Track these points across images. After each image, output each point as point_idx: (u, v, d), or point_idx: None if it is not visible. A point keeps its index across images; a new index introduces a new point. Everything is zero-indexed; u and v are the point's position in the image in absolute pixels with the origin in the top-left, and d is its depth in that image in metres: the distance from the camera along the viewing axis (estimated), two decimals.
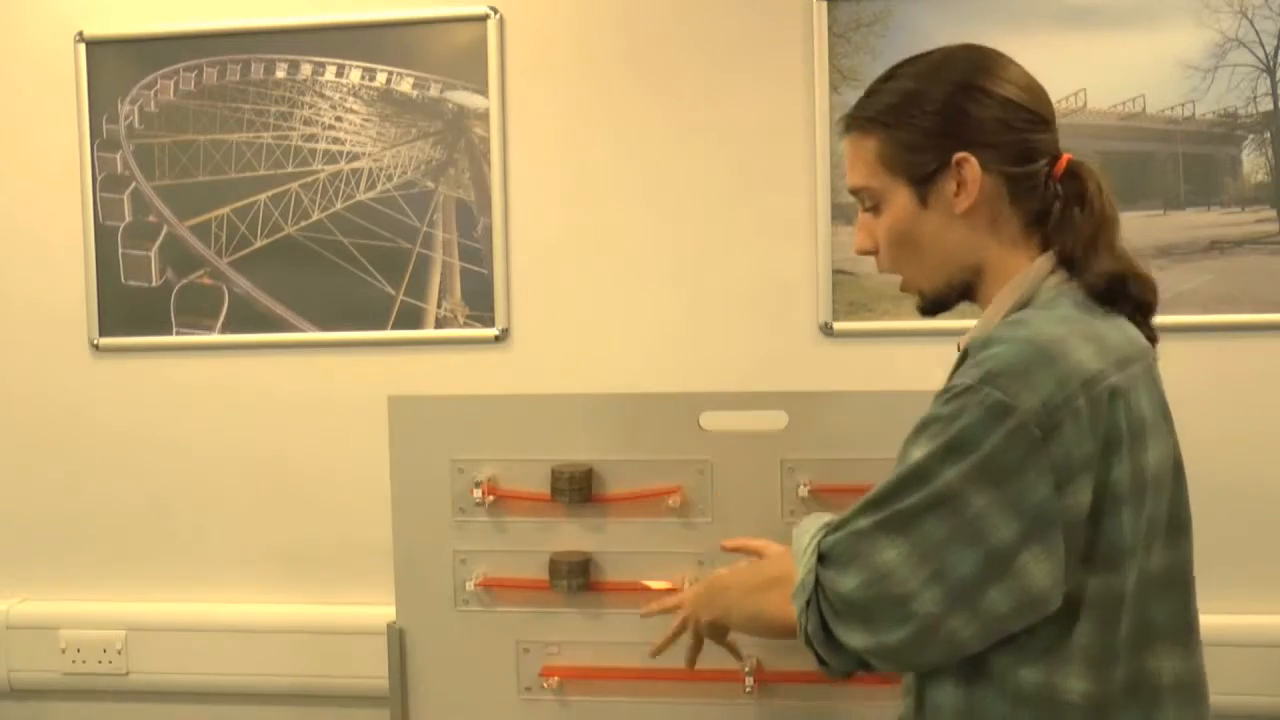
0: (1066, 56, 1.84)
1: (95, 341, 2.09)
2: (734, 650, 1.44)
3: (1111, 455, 0.96)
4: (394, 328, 2.02)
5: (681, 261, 1.96)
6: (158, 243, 2.07)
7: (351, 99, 2.02)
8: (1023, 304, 1.06)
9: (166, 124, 2.06)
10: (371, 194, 2.02)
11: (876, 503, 1.00)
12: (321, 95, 2.03)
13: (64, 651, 2.07)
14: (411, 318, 2.02)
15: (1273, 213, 1.85)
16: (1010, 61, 1.10)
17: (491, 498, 1.62)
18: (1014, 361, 0.95)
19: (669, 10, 1.95)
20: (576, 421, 1.62)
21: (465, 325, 2.01)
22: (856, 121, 1.12)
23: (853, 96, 1.15)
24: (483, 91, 1.99)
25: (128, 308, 2.08)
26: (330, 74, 2.02)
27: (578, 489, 1.59)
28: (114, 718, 2.11)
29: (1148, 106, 1.85)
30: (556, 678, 1.63)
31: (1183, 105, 1.84)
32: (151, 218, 2.07)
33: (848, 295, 1.92)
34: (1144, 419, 0.99)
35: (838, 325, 1.92)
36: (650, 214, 1.97)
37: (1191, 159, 1.85)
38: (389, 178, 2.02)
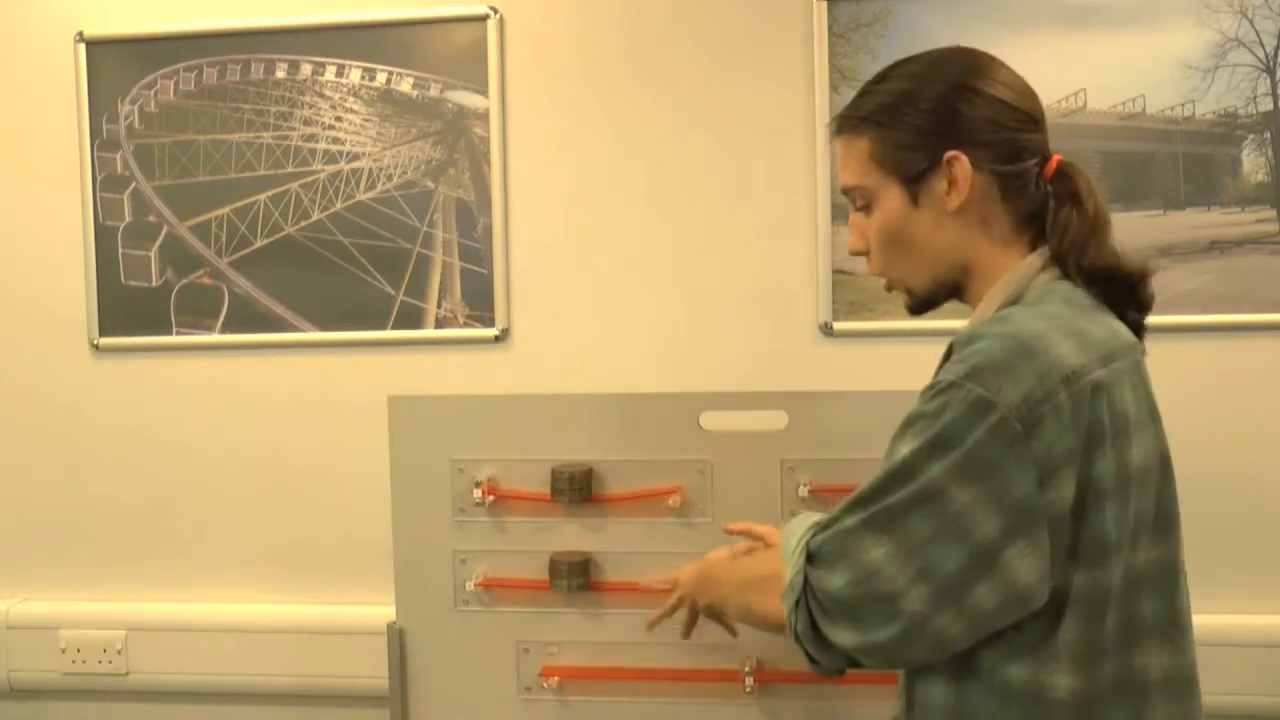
0: (1066, 56, 1.84)
1: (95, 341, 2.09)
2: (729, 628, 1.45)
3: (1094, 450, 0.96)
4: (394, 328, 2.02)
5: (681, 262, 1.96)
6: (158, 243, 2.07)
7: (351, 99, 2.02)
8: (1012, 301, 1.07)
9: (166, 124, 2.06)
10: (371, 194, 2.02)
11: (863, 500, 1.01)
12: (321, 95, 2.03)
13: (64, 651, 2.07)
14: (411, 318, 2.02)
15: (1273, 213, 1.85)
16: (1001, 64, 1.11)
17: (491, 498, 1.62)
18: (996, 357, 0.96)
19: (669, 10, 1.95)
20: (576, 421, 1.62)
21: (465, 325, 2.01)
22: (850, 122, 1.13)
23: (853, 96, 1.16)
24: (483, 91, 1.99)
25: (128, 308, 2.08)
26: (330, 74, 2.02)
27: (578, 489, 1.59)
28: (114, 718, 2.11)
29: (1148, 106, 1.85)
30: (556, 678, 1.64)
31: (1183, 105, 1.84)
32: (151, 218, 2.07)
33: (848, 295, 1.92)
34: (1128, 414, 0.99)
35: (838, 325, 1.92)
36: (650, 214, 1.97)
37: (1191, 159, 1.85)
38: (389, 178, 2.02)
